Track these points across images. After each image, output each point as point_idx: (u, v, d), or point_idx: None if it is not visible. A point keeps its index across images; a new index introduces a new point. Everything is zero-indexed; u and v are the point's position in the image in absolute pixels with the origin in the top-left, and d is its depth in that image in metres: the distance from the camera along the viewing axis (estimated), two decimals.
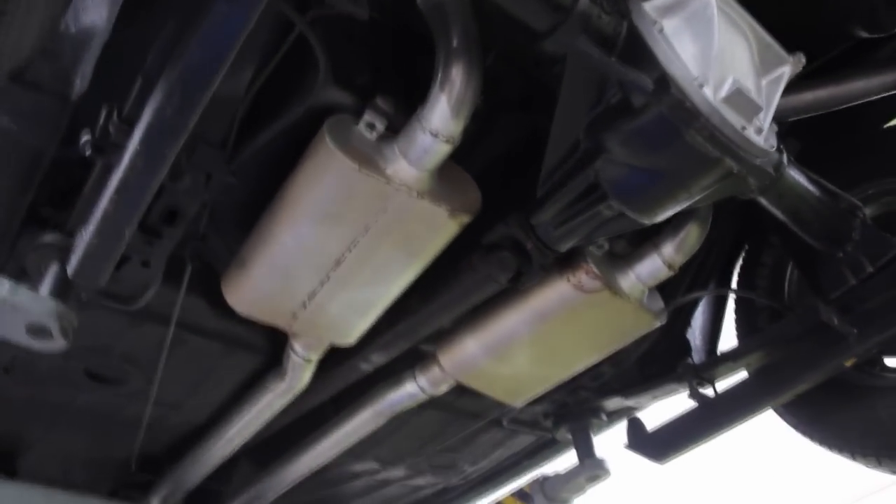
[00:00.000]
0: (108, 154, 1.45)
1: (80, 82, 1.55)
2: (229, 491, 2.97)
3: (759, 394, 2.22)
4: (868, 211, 2.04)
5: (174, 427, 2.65)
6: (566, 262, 1.96)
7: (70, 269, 1.63)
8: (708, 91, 1.44)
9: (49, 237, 1.86)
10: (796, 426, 2.28)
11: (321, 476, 2.84)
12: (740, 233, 2.43)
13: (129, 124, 1.46)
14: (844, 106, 2.01)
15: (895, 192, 2.16)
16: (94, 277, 1.61)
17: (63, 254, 1.86)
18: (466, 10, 1.57)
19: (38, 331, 1.77)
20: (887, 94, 2.02)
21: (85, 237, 1.54)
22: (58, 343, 1.80)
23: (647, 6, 1.49)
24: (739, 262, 2.46)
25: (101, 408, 2.50)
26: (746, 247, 2.44)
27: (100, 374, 2.32)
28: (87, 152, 1.45)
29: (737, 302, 2.44)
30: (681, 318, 2.39)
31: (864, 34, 1.97)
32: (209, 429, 2.57)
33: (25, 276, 1.90)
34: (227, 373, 2.41)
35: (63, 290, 1.83)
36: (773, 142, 1.58)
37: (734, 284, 2.47)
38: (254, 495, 2.89)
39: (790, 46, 1.62)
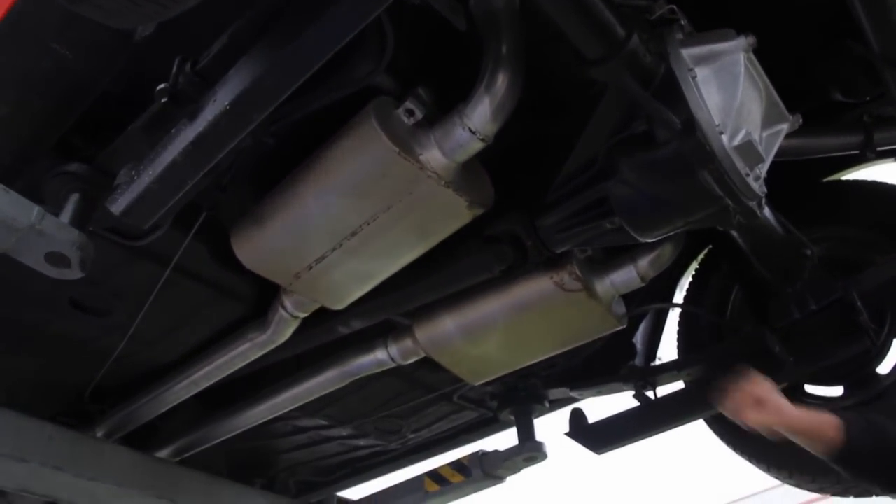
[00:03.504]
0: (182, 105, 1.52)
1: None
2: (172, 429, 3.05)
3: (695, 404, 2.45)
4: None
5: (140, 363, 2.70)
6: (551, 261, 2.14)
7: (116, 207, 1.68)
8: (725, 138, 1.62)
9: (74, 166, 1.90)
10: (722, 436, 2.52)
11: (265, 426, 2.95)
12: (691, 253, 2.65)
13: (204, 79, 1.54)
14: (807, 157, 2.25)
15: (837, 239, 2.40)
16: (143, 219, 1.68)
17: (86, 185, 1.92)
18: (518, 22, 1.70)
19: (57, 259, 1.81)
20: (846, 152, 2.27)
21: (143, 179, 1.60)
22: (74, 273, 1.85)
23: (684, 53, 1.66)
24: (688, 280, 2.69)
25: (72, 336, 2.52)
26: (696, 266, 2.66)
27: (84, 304, 2.36)
28: (163, 99, 1.52)
29: (682, 315, 2.66)
30: (631, 324, 2.60)
31: (840, 97, 2.20)
32: (175, 369, 2.64)
33: (40, 200, 1.95)
34: (209, 318, 2.50)
35: (83, 220, 1.88)
36: (764, 188, 1.78)
37: (678, 299, 2.70)
38: (197, 437, 2.99)
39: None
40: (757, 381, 1.96)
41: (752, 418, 1.92)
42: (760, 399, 1.91)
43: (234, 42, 1.49)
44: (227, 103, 1.41)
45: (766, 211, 2.09)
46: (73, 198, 1.89)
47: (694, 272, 2.68)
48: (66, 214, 1.86)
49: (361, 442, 3.35)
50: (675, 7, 1.72)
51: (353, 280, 2.07)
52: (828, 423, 1.85)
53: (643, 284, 2.22)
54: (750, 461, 2.47)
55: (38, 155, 1.87)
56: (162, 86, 1.53)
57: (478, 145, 1.74)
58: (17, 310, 2.40)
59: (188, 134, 1.49)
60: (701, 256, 2.65)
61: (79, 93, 1.72)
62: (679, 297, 2.70)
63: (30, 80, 1.71)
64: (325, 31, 1.31)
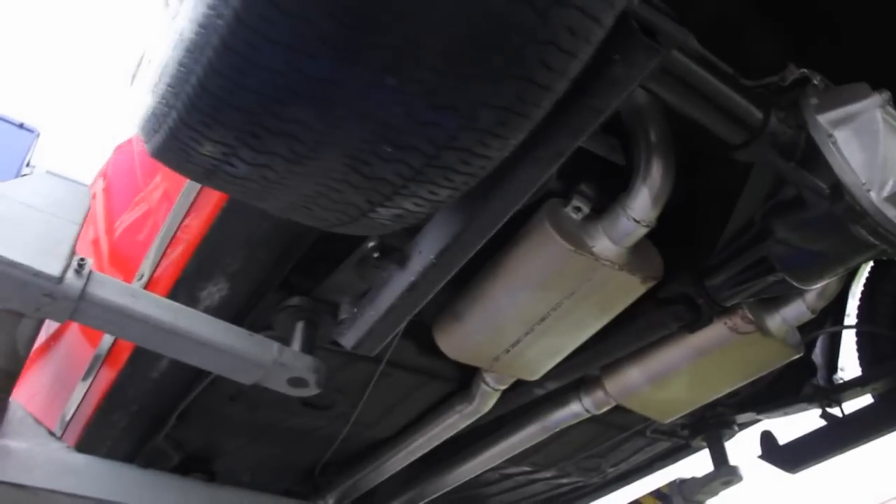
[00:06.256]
0: (389, 253, 1.80)
1: None
2: (390, 490, 3.38)
3: (887, 417, 2.55)
4: None
5: (361, 441, 3.06)
6: (724, 308, 2.30)
7: (347, 342, 1.96)
8: (874, 194, 1.74)
9: (297, 300, 2.24)
10: None
11: (475, 477, 3.23)
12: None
13: (407, 230, 1.80)
14: None
15: None
16: (370, 350, 1.96)
17: (309, 313, 2.25)
18: (662, 113, 1.88)
19: (298, 382, 2.15)
20: None
21: (367, 318, 1.88)
22: (312, 391, 2.18)
23: (821, 119, 1.79)
24: (859, 287, 2.76)
25: (303, 427, 2.91)
26: (867, 275, 2.74)
27: (313, 402, 2.71)
28: (375, 255, 1.81)
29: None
30: (808, 343, 2.72)
31: None
32: (394, 442, 2.97)
33: (271, 330, 2.29)
34: (419, 398, 2.80)
35: (311, 345, 2.21)
36: None
37: (852, 307, 2.78)
38: (415, 494, 3.31)
39: None
40: None
41: None
42: None
43: None
44: (432, 257, 1.66)
45: None
46: (300, 325, 2.23)
47: (865, 280, 2.75)
48: (297, 342, 2.19)
49: (564, 480, 3.59)
50: (806, 70, 1.86)
51: (545, 356, 2.30)
52: None
53: (814, 316, 2.33)
54: None
55: (265, 295, 2.20)
56: (372, 243, 1.81)
57: (642, 231, 1.93)
58: (258, 413, 2.79)
59: (401, 282, 1.75)
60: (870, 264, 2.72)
61: (296, 244, 2.03)
62: (852, 304, 2.78)
63: (254, 240, 2.01)
64: (504, 202, 1.54)
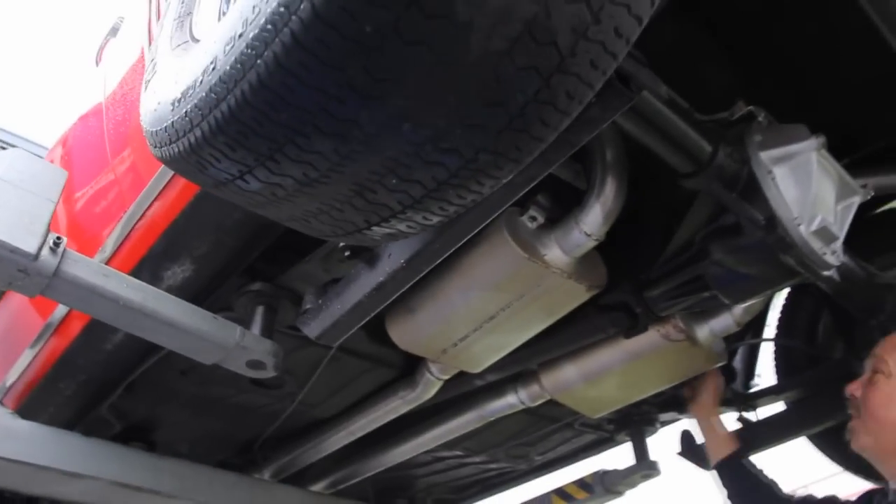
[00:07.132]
0: (359, 252, 1.90)
1: None
2: (325, 466, 3.50)
3: (795, 424, 2.77)
4: None
5: (303, 419, 3.16)
6: (658, 317, 2.47)
7: (310, 332, 2.06)
8: (803, 228, 1.92)
9: (258, 285, 2.33)
10: (825, 452, 2.84)
11: (408, 459, 3.37)
12: None
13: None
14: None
15: None
16: (333, 341, 2.07)
17: (269, 298, 2.34)
18: (619, 136, 2.02)
19: (256, 364, 2.24)
20: None
21: (332, 311, 1.98)
22: (269, 373, 2.28)
23: (763, 156, 1.96)
24: (780, 301, 2.97)
25: (249, 403, 2.99)
26: (788, 292, 2.95)
27: (263, 381, 2.80)
28: (346, 253, 1.91)
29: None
30: (730, 352, 2.92)
31: None
32: (335, 422, 3.08)
33: (230, 311, 2.37)
34: (364, 382, 2.92)
35: (270, 329, 2.30)
36: (843, 257, 2.08)
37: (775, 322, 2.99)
38: (349, 472, 3.44)
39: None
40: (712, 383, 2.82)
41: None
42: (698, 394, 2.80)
43: None
44: (402, 261, 1.77)
45: (846, 258, 2.37)
46: (260, 310, 2.32)
47: (786, 296, 2.96)
48: (257, 326, 2.28)
49: (493, 466, 3.77)
50: (752, 107, 2.01)
51: (489, 351, 2.43)
52: (717, 445, 2.71)
53: (739, 328, 2.53)
54: (849, 472, 2.77)
55: (228, 278, 2.28)
56: (343, 244, 1.91)
57: (592, 244, 2.06)
58: (207, 388, 2.87)
59: (370, 280, 1.86)
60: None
61: (264, 233, 2.10)
62: (772, 316, 2.99)
63: (224, 226, 2.07)
64: (476, 218, 1.68)
